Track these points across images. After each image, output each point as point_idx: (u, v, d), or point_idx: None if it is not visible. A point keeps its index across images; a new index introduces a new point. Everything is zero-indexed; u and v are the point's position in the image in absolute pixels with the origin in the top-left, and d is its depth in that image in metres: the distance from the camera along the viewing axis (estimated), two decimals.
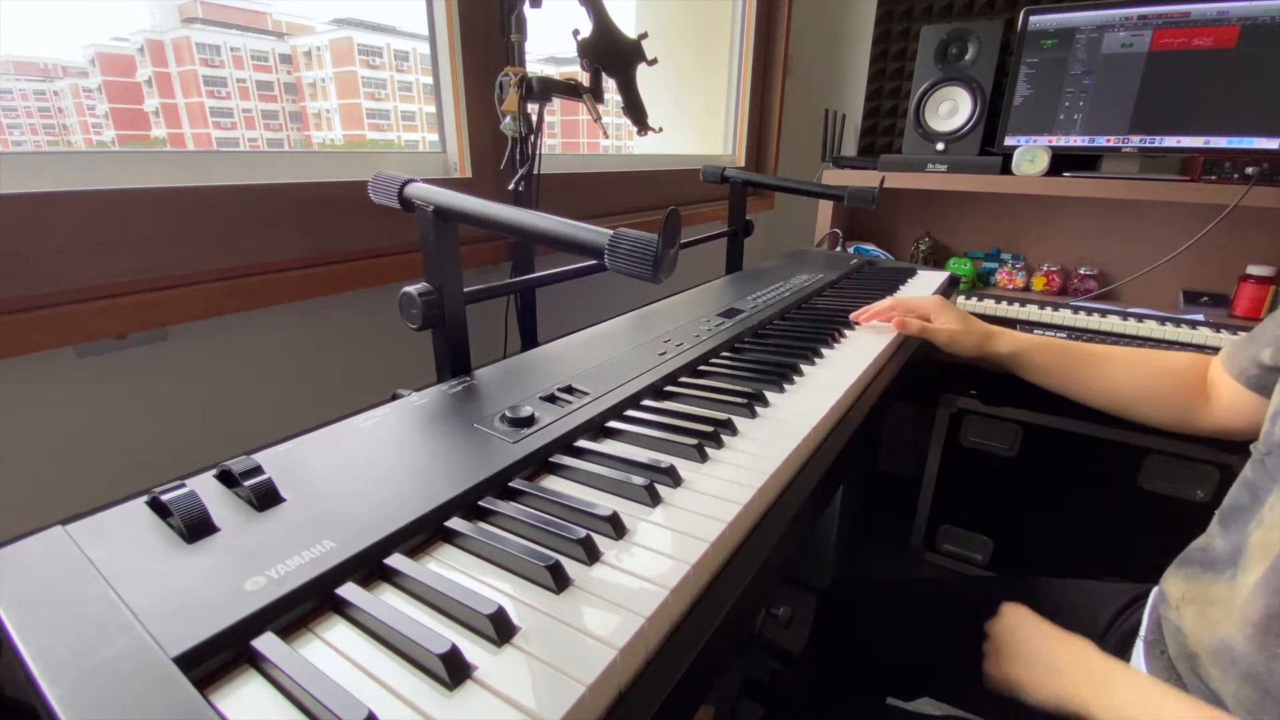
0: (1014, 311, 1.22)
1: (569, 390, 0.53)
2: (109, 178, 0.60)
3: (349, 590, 0.30)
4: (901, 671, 0.75)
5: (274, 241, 0.68)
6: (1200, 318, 1.17)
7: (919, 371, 0.80)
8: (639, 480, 0.41)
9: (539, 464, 0.44)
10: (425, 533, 0.36)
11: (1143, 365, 0.70)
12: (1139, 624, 0.60)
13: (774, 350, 0.70)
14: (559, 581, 0.32)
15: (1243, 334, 0.61)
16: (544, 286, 0.82)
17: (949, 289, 1.08)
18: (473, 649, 0.28)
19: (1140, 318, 1.14)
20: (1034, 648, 0.55)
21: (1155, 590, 0.59)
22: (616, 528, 0.37)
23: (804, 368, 0.65)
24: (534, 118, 0.83)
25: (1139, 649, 0.56)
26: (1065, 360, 0.74)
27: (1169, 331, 1.09)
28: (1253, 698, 0.44)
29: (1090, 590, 0.68)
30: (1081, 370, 0.73)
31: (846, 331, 0.78)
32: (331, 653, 0.28)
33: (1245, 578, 0.47)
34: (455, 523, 0.36)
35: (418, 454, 0.42)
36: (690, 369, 0.62)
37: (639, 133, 0.93)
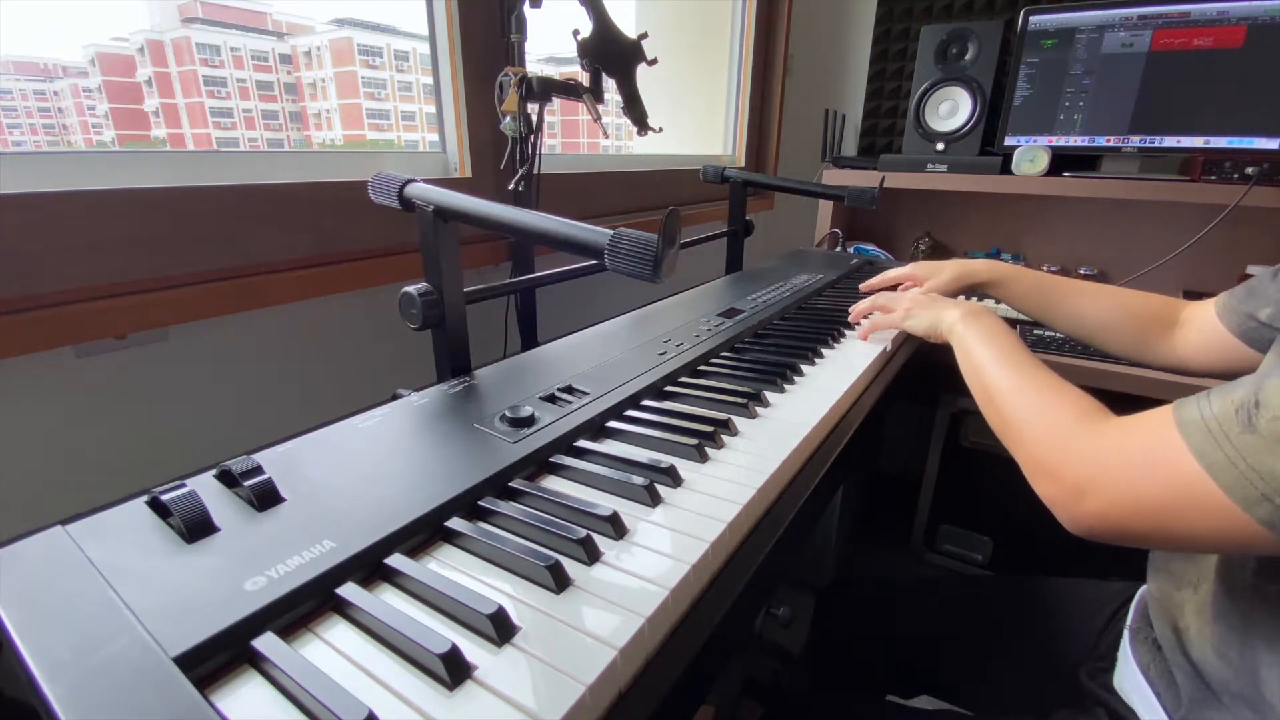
0: (1014, 312, 1.22)
1: (569, 390, 0.53)
2: (109, 178, 0.60)
3: (349, 590, 0.30)
4: (901, 670, 0.75)
5: (274, 241, 0.68)
6: None
7: (919, 371, 0.80)
8: (639, 480, 0.41)
9: (539, 464, 0.44)
10: (425, 533, 0.36)
11: (1110, 299, 0.75)
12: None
13: (774, 350, 0.70)
14: (559, 581, 0.32)
15: (1239, 287, 0.63)
16: (544, 286, 0.82)
17: None
18: (473, 649, 0.28)
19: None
20: (928, 304, 0.72)
21: (1144, 587, 0.60)
22: (616, 528, 0.37)
23: (804, 368, 0.65)
24: (534, 118, 0.83)
25: (1125, 638, 0.56)
26: (1039, 288, 0.79)
27: None
28: (1223, 669, 0.44)
29: (1089, 589, 0.68)
30: (1053, 298, 0.78)
31: (846, 331, 0.78)
32: (332, 653, 0.28)
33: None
34: (455, 523, 0.36)
35: (418, 454, 0.42)
36: (690, 369, 0.62)
37: (639, 133, 0.93)
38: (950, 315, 0.67)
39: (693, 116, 1.65)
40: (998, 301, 0.84)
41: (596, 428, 0.50)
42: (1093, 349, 0.81)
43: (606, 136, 1.03)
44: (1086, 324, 0.76)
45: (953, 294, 0.81)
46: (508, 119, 0.80)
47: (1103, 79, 1.17)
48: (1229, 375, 0.42)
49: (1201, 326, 0.67)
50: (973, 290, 0.83)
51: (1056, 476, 0.43)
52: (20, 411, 0.54)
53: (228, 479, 0.36)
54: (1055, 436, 0.45)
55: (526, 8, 0.81)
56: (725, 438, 0.49)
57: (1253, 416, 0.33)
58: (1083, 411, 0.45)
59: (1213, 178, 1.14)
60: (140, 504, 0.34)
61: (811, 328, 0.78)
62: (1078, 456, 0.42)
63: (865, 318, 0.78)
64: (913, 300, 0.73)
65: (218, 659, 0.27)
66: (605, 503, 0.39)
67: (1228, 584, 0.44)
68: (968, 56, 1.31)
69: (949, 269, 0.83)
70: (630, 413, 0.52)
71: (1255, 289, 0.60)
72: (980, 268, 0.82)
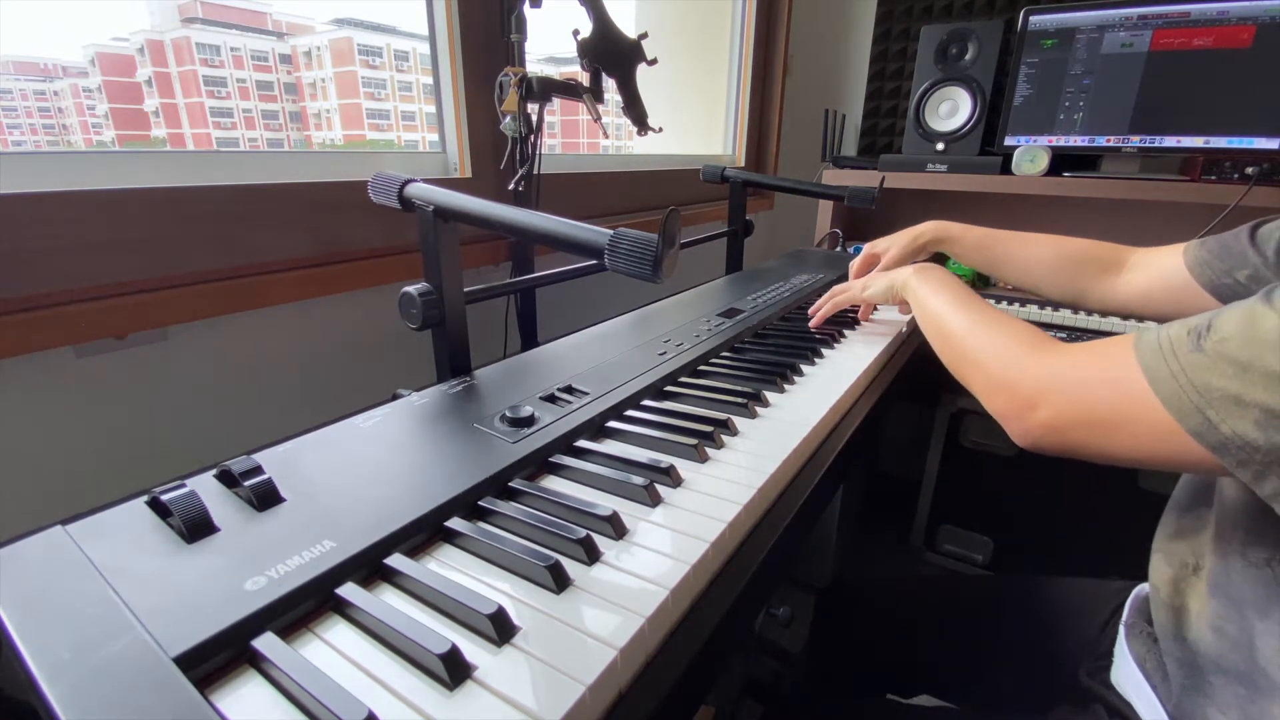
0: (1014, 312, 1.22)
1: (569, 390, 0.53)
2: (109, 178, 0.60)
3: (349, 590, 0.31)
4: (901, 670, 0.75)
5: (274, 241, 0.68)
6: None
7: (919, 371, 0.80)
8: (639, 480, 0.41)
9: (539, 464, 0.44)
10: (425, 533, 0.36)
11: (1048, 245, 0.79)
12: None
13: (774, 350, 0.70)
14: (559, 581, 0.32)
15: (1211, 240, 0.62)
16: (544, 286, 0.82)
17: None
18: (473, 649, 0.28)
19: (1141, 317, 1.14)
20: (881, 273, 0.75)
21: (1141, 585, 0.60)
22: (616, 528, 0.37)
23: (804, 368, 0.65)
24: (534, 118, 0.83)
25: (1121, 634, 0.56)
26: (985, 242, 0.83)
27: None
28: (1220, 647, 0.44)
29: (1088, 589, 0.68)
30: (998, 250, 0.82)
31: (846, 332, 0.79)
32: (332, 653, 0.28)
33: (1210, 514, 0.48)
34: (455, 523, 0.36)
35: (418, 454, 0.42)
36: (690, 369, 0.62)
37: (639, 133, 0.93)
38: (903, 273, 0.71)
39: (693, 116, 1.65)
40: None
41: (596, 428, 0.50)
42: (1039, 296, 0.87)
43: (606, 136, 1.03)
44: (1032, 272, 0.79)
45: (908, 261, 0.86)
46: (508, 119, 0.80)
47: (1103, 79, 1.17)
48: None
49: (1158, 274, 0.68)
50: (924, 250, 0.87)
51: (1011, 390, 0.46)
52: (20, 411, 0.54)
53: (228, 479, 0.36)
54: (1012, 356, 0.48)
55: (526, 8, 0.81)
56: (725, 438, 0.49)
57: (1202, 337, 0.36)
58: (1037, 337, 0.49)
59: (1213, 178, 1.14)
60: (140, 504, 0.34)
61: (812, 328, 0.77)
62: (1033, 371, 0.45)
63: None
64: (867, 276, 0.78)
65: (218, 659, 0.27)
66: (605, 503, 0.39)
67: (1223, 558, 0.45)
68: (968, 56, 1.31)
69: (900, 237, 0.86)
70: (630, 413, 0.52)
71: (1229, 246, 0.60)
72: (927, 227, 0.86)
